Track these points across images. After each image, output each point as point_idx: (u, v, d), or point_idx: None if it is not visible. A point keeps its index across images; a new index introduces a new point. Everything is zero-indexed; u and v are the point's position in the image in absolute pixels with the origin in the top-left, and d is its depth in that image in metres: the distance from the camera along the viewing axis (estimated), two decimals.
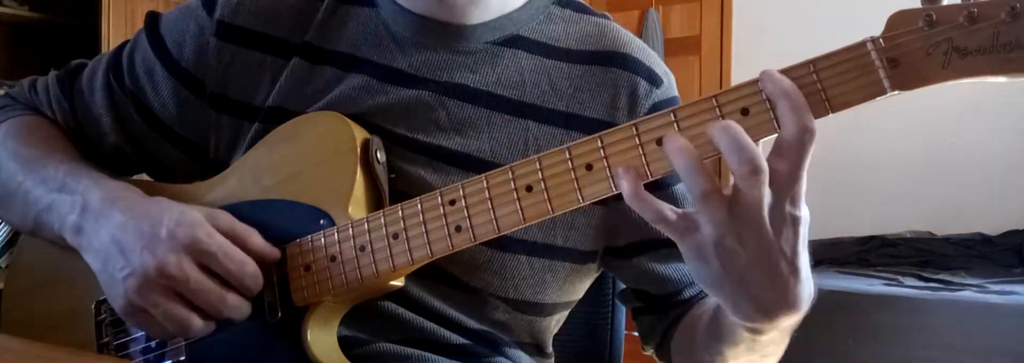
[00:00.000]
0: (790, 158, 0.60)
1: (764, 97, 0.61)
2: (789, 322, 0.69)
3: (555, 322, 0.97)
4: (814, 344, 2.83)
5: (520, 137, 0.88)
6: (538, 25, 0.92)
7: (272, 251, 0.81)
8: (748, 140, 0.60)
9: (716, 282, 0.66)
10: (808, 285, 0.67)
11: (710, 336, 0.79)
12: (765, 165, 0.60)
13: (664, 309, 0.93)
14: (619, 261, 0.93)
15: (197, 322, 0.77)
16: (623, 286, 1.00)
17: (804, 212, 0.63)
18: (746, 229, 0.62)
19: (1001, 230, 3.33)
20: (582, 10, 0.96)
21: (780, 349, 0.78)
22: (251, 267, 0.78)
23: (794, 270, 0.64)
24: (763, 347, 0.75)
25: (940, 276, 2.93)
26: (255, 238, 0.80)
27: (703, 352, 0.82)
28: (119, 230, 0.79)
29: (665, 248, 0.89)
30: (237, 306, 0.78)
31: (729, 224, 0.61)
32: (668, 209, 0.64)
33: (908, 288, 2.80)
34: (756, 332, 0.71)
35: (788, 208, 0.61)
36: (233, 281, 0.78)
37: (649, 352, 0.97)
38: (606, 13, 0.98)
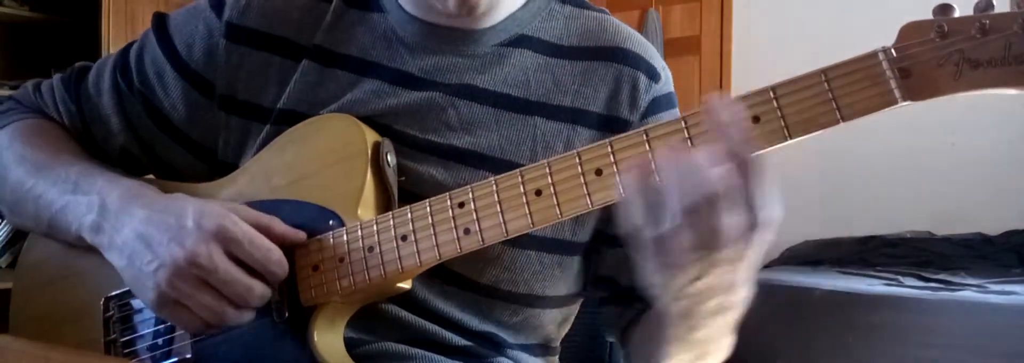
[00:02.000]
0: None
1: (776, 105, 0.62)
2: (715, 302, 0.70)
3: (562, 317, 0.97)
4: (814, 344, 2.84)
5: (528, 134, 0.89)
6: (541, 23, 0.94)
7: (297, 234, 0.81)
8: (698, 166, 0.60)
9: (673, 294, 0.68)
10: (734, 300, 0.70)
11: (657, 334, 0.80)
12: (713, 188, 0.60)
13: (630, 301, 0.93)
14: (609, 248, 0.93)
15: (231, 311, 0.78)
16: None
17: (766, 214, 0.62)
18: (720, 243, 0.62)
19: (1001, 230, 3.33)
20: (580, 5, 0.98)
21: (720, 350, 0.80)
22: (276, 254, 0.78)
23: (731, 288, 0.68)
24: (699, 345, 0.77)
25: (940, 276, 2.94)
26: (278, 224, 0.81)
27: (654, 349, 0.83)
28: (143, 225, 0.80)
29: None
30: (263, 295, 0.78)
31: (706, 240, 0.62)
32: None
33: (908, 288, 2.80)
34: (691, 322, 0.73)
35: (752, 232, 0.62)
36: (259, 268, 0.78)
37: (612, 340, 0.99)
38: (604, 8, 0.99)
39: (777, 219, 0.62)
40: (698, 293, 0.67)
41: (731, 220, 0.60)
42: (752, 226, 0.61)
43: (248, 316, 0.79)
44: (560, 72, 0.92)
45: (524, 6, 0.93)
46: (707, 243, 0.61)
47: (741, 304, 0.72)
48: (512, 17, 0.92)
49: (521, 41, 0.92)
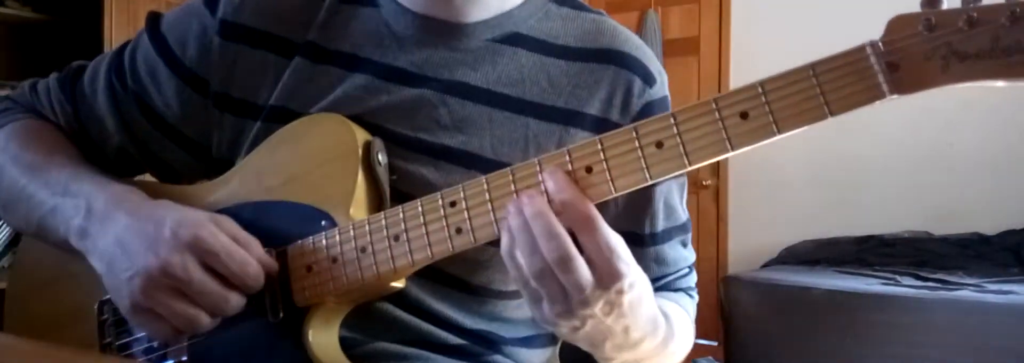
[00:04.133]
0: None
1: (764, 101, 0.62)
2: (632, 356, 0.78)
3: None
4: (813, 344, 2.84)
5: (520, 134, 0.89)
6: (537, 22, 0.93)
7: (269, 263, 0.81)
8: (558, 228, 0.66)
9: (569, 338, 0.74)
10: (641, 334, 0.75)
11: None
12: (573, 251, 0.66)
13: None
14: None
15: (204, 319, 0.78)
16: None
17: (627, 282, 0.68)
18: (578, 305, 0.68)
19: (998, 230, 3.33)
20: (579, 7, 0.97)
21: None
22: (253, 267, 0.78)
23: (626, 330, 0.72)
24: None
25: (937, 276, 2.94)
26: (256, 247, 0.80)
27: None
28: (123, 232, 0.80)
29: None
30: (238, 306, 0.79)
31: (563, 301, 0.68)
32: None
33: (905, 287, 2.81)
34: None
35: (609, 283, 0.67)
36: (235, 281, 0.78)
37: None
38: (601, 10, 0.99)
39: (618, 274, 0.67)
40: (588, 338, 0.72)
41: (573, 280, 0.66)
42: (599, 282, 0.67)
43: (218, 322, 0.80)
44: (555, 72, 0.91)
45: (520, 5, 0.93)
46: (559, 300, 0.68)
47: (654, 342, 0.77)
48: (506, 14, 0.92)
49: (516, 39, 0.92)
